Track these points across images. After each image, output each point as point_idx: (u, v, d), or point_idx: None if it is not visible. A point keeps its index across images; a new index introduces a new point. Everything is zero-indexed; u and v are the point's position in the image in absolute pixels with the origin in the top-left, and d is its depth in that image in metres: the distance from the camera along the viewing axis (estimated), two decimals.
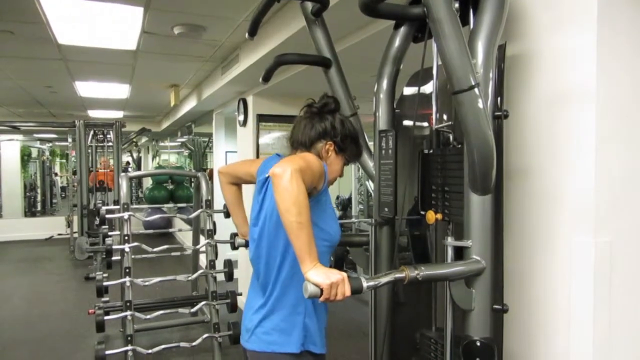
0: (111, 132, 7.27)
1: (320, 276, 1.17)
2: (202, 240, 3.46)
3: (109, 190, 7.45)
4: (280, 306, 1.47)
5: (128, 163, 13.92)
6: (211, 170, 8.97)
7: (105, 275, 3.41)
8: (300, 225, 1.20)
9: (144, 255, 3.51)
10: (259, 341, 1.49)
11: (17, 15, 3.14)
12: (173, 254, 3.88)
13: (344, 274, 1.18)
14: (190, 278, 3.34)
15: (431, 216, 1.43)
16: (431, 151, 1.51)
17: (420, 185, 1.53)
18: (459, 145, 1.37)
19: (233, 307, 3.42)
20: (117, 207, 3.27)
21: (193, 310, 3.35)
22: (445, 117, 1.50)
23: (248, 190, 2.28)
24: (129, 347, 2.91)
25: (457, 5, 1.29)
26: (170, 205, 9.10)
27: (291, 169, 1.22)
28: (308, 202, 1.23)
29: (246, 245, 1.79)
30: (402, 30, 1.58)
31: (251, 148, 4.60)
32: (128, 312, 2.96)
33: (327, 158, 1.56)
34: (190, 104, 6.37)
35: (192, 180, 7.61)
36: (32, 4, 2.87)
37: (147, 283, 3.12)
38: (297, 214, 1.20)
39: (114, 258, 3.26)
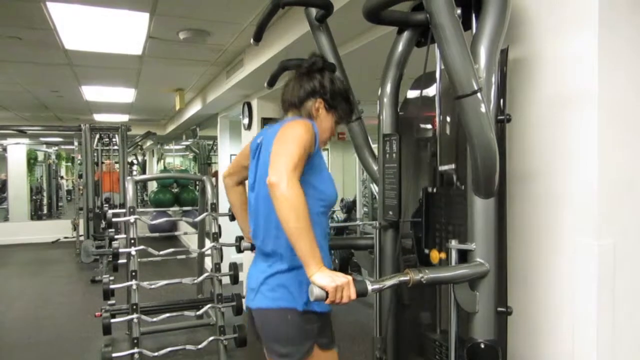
0: (117, 135, 7.31)
1: (325, 279, 1.18)
2: (208, 243, 3.48)
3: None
4: (284, 267, 1.47)
5: (133, 163, 13.91)
6: (216, 172, 8.99)
7: (111, 278, 3.43)
8: (299, 231, 1.21)
9: (149, 259, 3.53)
10: (265, 298, 1.48)
11: (25, 22, 3.18)
12: (178, 257, 3.90)
13: (349, 277, 1.19)
14: (195, 281, 3.36)
15: (435, 255, 1.50)
16: (435, 190, 1.56)
17: (424, 224, 1.58)
18: (462, 187, 1.39)
19: (238, 310, 3.43)
20: (123, 210, 3.28)
21: (199, 313, 3.36)
22: (448, 119, 1.51)
23: None
24: (136, 350, 2.93)
25: (459, 11, 1.30)
26: (176, 208, 9.12)
27: (286, 174, 1.24)
28: (306, 206, 1.24)
29: (252, 248, 1.80)
30: (405, 35, 1.60)
31: None
32: (134, 315, 2.98)
33: (317, 116, 1.55)
34: (195, 108, 6.40)
35: (197, 183, 7.63)
36: (39, 10, 2.91)
37: (153, 286, 3.13)
38: (295, 220, 1.21)
39: (120, 261, 3.28)
